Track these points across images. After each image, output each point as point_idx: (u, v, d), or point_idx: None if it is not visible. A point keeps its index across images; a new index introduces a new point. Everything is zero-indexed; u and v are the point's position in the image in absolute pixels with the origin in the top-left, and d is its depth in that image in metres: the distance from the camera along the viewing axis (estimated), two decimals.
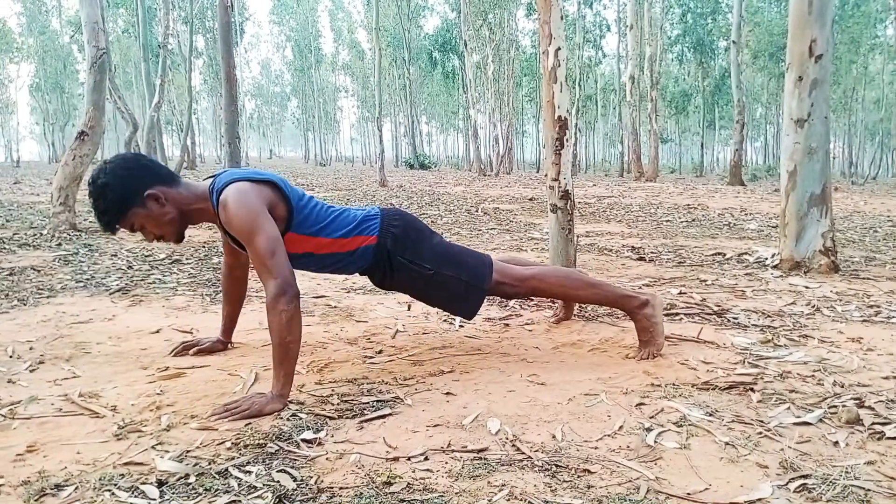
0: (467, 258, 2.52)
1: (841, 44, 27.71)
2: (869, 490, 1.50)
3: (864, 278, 4.25)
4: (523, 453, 1.70)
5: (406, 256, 2.42)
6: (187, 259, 4.96)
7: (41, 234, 6.02)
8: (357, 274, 2.56)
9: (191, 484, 1.54)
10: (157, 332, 2.97)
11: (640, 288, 3.81)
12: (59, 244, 5.57)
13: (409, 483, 1.54)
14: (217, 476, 1.58)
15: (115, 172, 2.15)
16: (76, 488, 1.53)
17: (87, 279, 4.13)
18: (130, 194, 2.15)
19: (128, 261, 4.81)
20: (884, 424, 1.86)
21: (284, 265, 2.09)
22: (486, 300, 2.79)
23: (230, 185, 2.17)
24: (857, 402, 2.03)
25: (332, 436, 1.82)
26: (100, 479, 1.56)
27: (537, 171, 30.34)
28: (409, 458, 1.67)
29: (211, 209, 2.27)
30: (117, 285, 3.93)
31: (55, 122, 40.01)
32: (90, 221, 7.11)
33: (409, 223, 2.50)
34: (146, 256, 5.05)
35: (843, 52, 28.47)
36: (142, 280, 4.12)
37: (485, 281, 2.49)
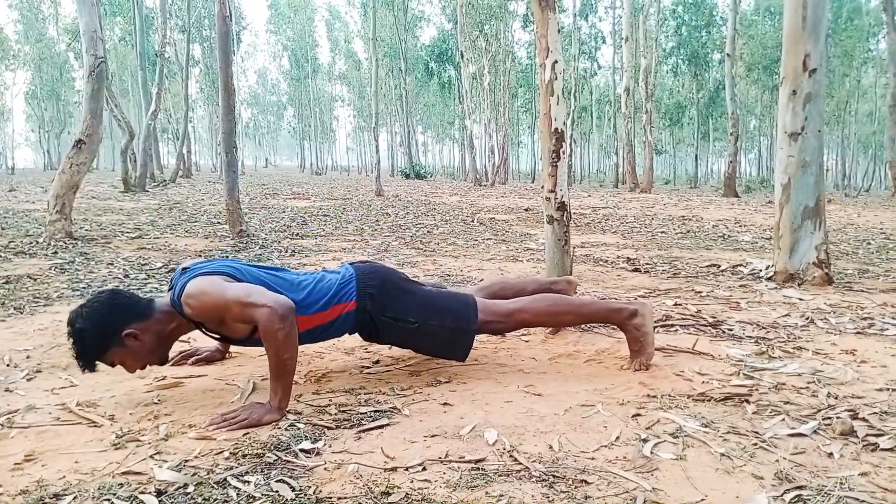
0: (450, 303, 2.49)
1: (834, 57, 27.93)
2: (863, 501, 1.52)
3: (857, 290, 4.27)
4: (521, 464, 1.71)
5: (388, 315, 2.40)
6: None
7: (37, 243, 6.01)
8: (347, 334, 2.52)
9: (189, 493, 1.55)
10: None
11: (636, 298, 3.83)
12: (56, 252, 5.57)
13: (407, 493, 1.55)
14: (215, 486, 1.58)
15: (91, 318, 2.13)
16: (74, 497, 1.53)
17: (84, 288, 4.13)
18: (108, 337, 2.14)
19: (124, 269, 4.81)
20: (878, 436, 1.88)
21: (264, 293, 2.09)
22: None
23: (187, 285, 2.15)
24: (851, 413, 2.05)
25: (330, 446, 1.83)
26: (98, 489, 1.57)
27: (532, 182, 30.42)
28: (406, 469, 1.68)
29: (183, 322, 2.26)
30: None
31: (51, 130, 39.95)
32: (86, 230, 7.11)
33: (385, 279, 2.45)
34: (143, 265, 5.05)
35: (837, 66, 28.70)
36: (138, 289, 4.12)
37: (471, 323, 2.47)
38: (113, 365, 2.22)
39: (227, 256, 5.65)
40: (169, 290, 2.31)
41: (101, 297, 2.24)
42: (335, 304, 2.36)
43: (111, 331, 2.14)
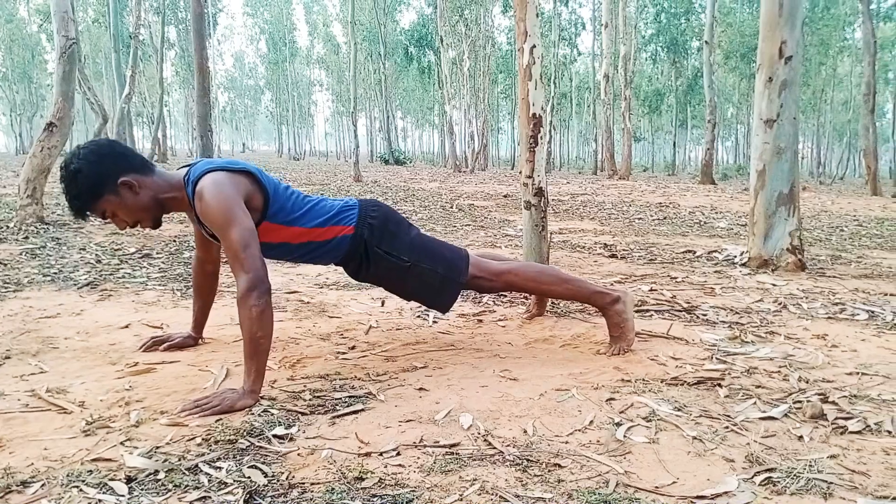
0: (444, 252, 2.53)
1: (811, 45, 28.13)
2: (832, 483, 1.54)
3: (829, 276, 4.33)
4: (495, 448, 1.71)
5: (383, 248, 2.42)
6: (158, 253, 4.90)
7: (8, 227, 5.90)
8: (333, 265, 2.55)
9: (160, 480, 1.53)
10: (127, 327, 2.93)
11: (612, 284, 3.85)
12: (27, 237, 5.47)
13: (380, 478, 1.55)
14: (187, 472, 1.57)
15: (88, 158, 2.11)
16: (43, 485, 1.51)
17: (55, 273, 4.06)
18: (103, 181, 2.12)
19: (96, 255, 4.74)
20: (847, 419, 1.91)
21: (257, 259, 2.07)
22: (460, 295, 2.80)
23: (206, 175, 2.15)
24: (821, 397, 2.08)
25: (304, 431, 1.82)
26: (67, 476, 1.54)
27: (512, 168, 30.42)
28: (381, 454, 1.68)
29: (186, 199, 2.25)
30: (86, 279, 3.88)
31: (22, 113, 39.18)
32: (58, 214, 6.98)
33: (387, 215, 2.49)
34: (115, 250, 4.98)
35: (813, 54, 28.91)
36: (111, 274, 4.06)
37: (461, 275, 2.50)
38: (104, 216, 2.20)
39: None
40: (185, 167, 2.30)
41: (100, 141, 2.24)
42: (334, 224, 2.39)
43: (107, 175, 2.13)
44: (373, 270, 2.48)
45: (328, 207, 2.41)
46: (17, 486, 1.50)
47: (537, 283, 2.64)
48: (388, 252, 2.42)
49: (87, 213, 2.17)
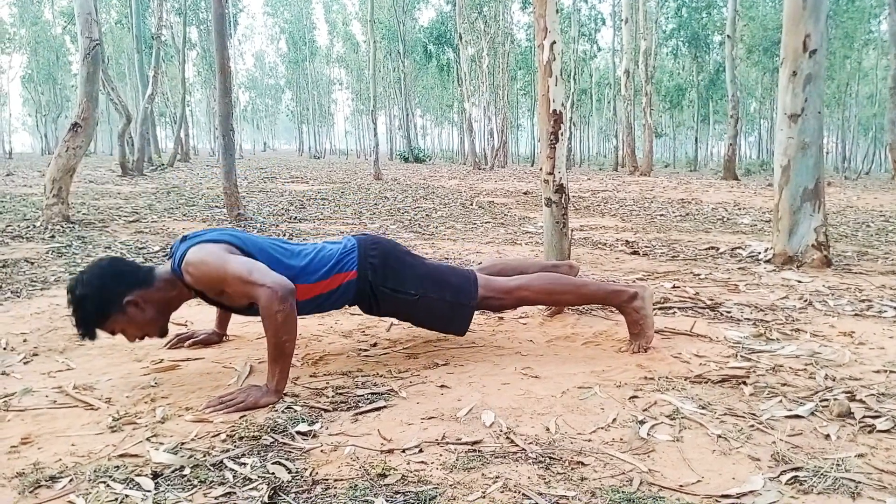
0: (450, 277, 2.50)
1: (835, 39, 27.71)
2: (859, 482, 1.52)
3: (856, 273, 4.27)
4: (517, 446, 1.71)
5: (388, 285, 2.40)
6: None
7: (34, 226, 6.00)
8: (346, 306, 2.53)
9: (186, 476, 1.55)
10: None
11: (634, 281, 3.83)
12: (53, 236, 5.55)
13: (403, 475, 1.55)
14: (212, 468, 1.58)
15: (91, 283, 2.11)
16: (71, 480, 1.53)
17: None
18: (109, 303, 2.12)
19: (121, 253, 4.79)
20: (874, 418, 1.88)
21: (266, 272, 2.08)
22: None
23: (188, 252, 2.14)
24: (848, 395, 2.05)
25: (327, 428, 1.83)
26: (94, 471, 1.56)
27: (532, 165, 30.33)
28: (403, 451, 1.68)
29: (184, 290, 2.24)
30: None
31: (48, 114, 39.76)
32: (83, 213, 7.09)
33: (386, 251, 2.46)
34: (140, 248, 5.04)
35: (838, 48, 28.47)
36: None
37: (470, 298, 2.48)
38: (113, 333, 2.21)
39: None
40: (168, 259, 2.30)
41: (102, 263, 2.22)
42: (336, 273, 2.36)
43: (112, 297, 2.12)
44: (383, 307, 2.47)
45: (328, 256, 2.37)
46: (46, 481, 1.53)
47: (551, 294, 2.61)
48: (395, 289, 2.40)
49: (96, 333, 2.17)
